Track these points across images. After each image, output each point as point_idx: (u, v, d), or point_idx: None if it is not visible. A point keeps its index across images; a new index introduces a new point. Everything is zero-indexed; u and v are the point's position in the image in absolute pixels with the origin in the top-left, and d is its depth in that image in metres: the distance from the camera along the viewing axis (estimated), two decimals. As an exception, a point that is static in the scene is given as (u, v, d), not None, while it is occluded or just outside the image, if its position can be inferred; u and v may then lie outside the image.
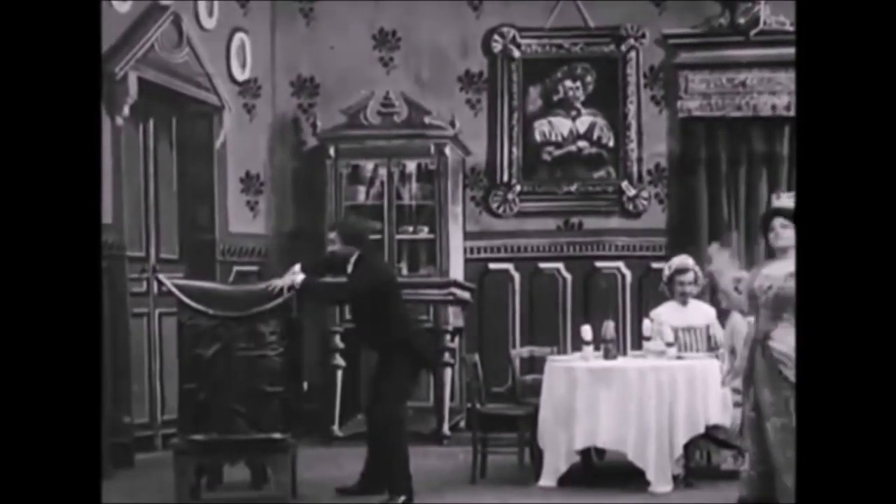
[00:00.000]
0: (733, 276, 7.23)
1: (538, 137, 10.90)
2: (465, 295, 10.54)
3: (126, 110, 8.76)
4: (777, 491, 6.40)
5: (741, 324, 7.60)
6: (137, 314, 9.17)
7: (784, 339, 6.35)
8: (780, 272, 6.45)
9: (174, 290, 7.33)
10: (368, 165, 10.43)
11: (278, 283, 7.27)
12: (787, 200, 6.70)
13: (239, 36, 10.41)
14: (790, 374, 6.34)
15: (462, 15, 10.88)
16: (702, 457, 8.18)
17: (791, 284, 6.34)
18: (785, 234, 6.49)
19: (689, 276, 8.48)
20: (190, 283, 7.69)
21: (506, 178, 10.87)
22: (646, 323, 8.32)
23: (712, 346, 8.41)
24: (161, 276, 7.92)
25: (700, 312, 8.57)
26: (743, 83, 10.57)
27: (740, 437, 7.33)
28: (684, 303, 8.52)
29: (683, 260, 8.63)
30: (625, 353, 8.91)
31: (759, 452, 6.49)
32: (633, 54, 10.77)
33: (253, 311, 7.20)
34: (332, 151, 10.34)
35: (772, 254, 6.61)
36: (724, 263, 7.61)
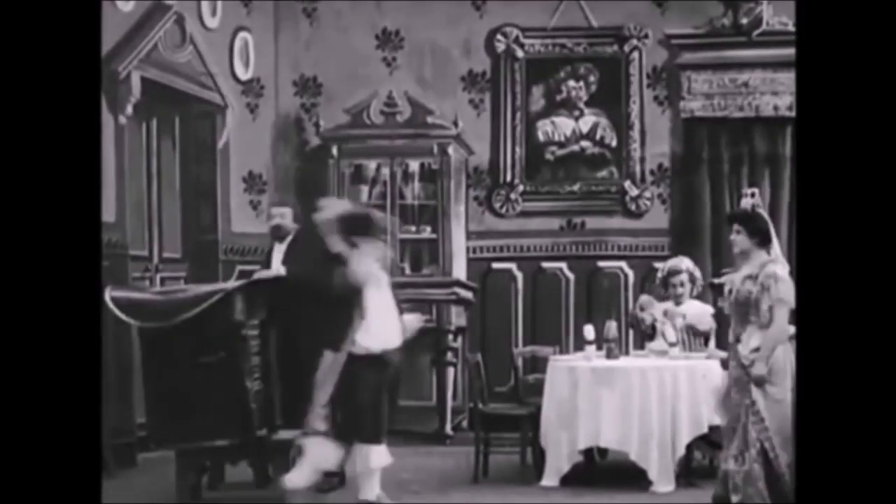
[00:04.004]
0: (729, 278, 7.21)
1: (541, 137, 10.90)
2: (468, 294, 10.54)
3: (129, 109, 8.78)
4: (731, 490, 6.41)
5: None
6: (140, 313, 9.16)
7: (748, 343, 6.32)
8: (740, 275, 6.43)
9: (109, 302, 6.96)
10: (371, 165, 10.44)
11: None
12: (743, 202, 6.63)
13: (242, 35, 10.42)
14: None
15: (465, 15, 10.88)
16: (704, 457, 8.18)
17: (748, 287, 6.32)
18: (738, 239, 6.43)
19: (682, 278, 8.46)
20: (121, 294, 7.23)
21: (509, 177, 10.86)
22: (644, 316, 8.31)
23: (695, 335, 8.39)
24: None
25: (692, 311, 8.51)
26: (745, 84, 10.56)
27: None
28: (678, 304, 8.48)
29: (677, 262, 8.62)
30: (627, 353, 8.91)
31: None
32: (635, 54, 10.77)
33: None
34: (334, 151, 10.35)
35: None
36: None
